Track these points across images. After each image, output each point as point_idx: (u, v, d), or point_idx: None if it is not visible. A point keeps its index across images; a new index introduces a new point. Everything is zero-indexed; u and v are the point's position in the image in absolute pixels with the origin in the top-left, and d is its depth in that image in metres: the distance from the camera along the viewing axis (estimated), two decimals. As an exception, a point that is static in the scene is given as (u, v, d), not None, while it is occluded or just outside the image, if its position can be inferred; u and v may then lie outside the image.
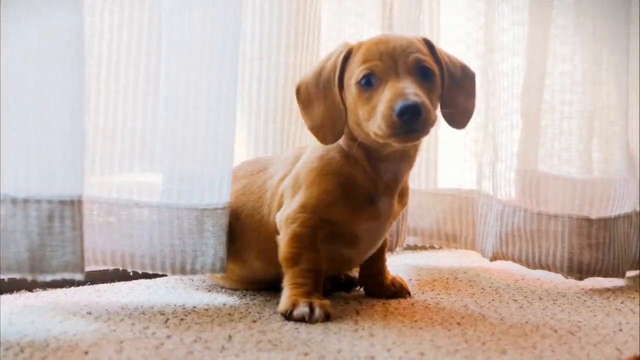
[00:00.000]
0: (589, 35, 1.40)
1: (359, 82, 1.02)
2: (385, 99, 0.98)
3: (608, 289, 1.33)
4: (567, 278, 1.38)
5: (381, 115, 0.98)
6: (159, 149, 1.13)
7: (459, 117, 1.10)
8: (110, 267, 1.13)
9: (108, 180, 1.12)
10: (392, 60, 1.01)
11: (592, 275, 1.36)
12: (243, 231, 1.15)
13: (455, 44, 1.58)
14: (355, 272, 1.26)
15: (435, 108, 1.03)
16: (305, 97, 1.09)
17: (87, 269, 1.22)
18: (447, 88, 1.07)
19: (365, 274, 1.22)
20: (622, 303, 1.21)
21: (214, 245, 1.12)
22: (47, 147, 0.95)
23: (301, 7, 1.36)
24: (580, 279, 1.37)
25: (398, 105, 0.96)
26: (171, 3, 1.10)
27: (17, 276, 0.95)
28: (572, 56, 1.41)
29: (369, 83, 1.02)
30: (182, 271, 1.12)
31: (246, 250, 1.15)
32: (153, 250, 1.11)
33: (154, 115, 1.13)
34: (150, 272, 1.13)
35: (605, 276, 1.37)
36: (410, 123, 0.96)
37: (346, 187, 1.07)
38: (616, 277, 1.38)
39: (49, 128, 0.95)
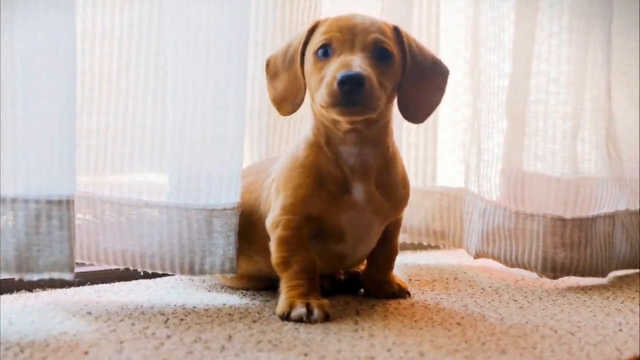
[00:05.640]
0: (574, 35, 1.39)
1: (315, 52, 1.04)
2: (332, 68, 1.00)
3: (608, 289, 1.33)
4: (541, 277, 1.37)
5: (325, 85, 0.99)
6: (168, 148, 1.13)
7: (415, 109, 1.09)
8: (122, 267, 1.14)
9: (119, 180, 1.12)
10: (351, 35, 1.02)
11: (567, 274, 1.36)
12: (248, 228, 1.15)
13: (454, 43, 1.58)
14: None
15: (386, 90, 1.03)
16: (273, 70, 1.11)
17: (89, 268, 1.23)
18: (408, 77, 1.07)
19: (367, 274, 1.22)
20: (622, 303, 1.21)
21: (222, 246, 1.11)
22: (36, 147, 0.95)
23: (287, 5, 1.35)
24: (555, 277, 1.36)
25: (340, 74, 0.97)
26: (177, 1, 1.10)
27: (4, 275, 0.95)
28: (558, 56, 1.40)
29: (325, 54, 1.03)
30: (191, 271, 1.12)
31: (250, 246, 1.15)
32: (163, 250, 1.11)
33: (163, 114, 1.13)
34: (160, 272, 1.13)
35: (582, 275, 1.36)
36: (350, 94, 0.97)
37: (316, 178, 1.07)
38: (595, 276, 1.38)
39: (38, 128, 0.95)
